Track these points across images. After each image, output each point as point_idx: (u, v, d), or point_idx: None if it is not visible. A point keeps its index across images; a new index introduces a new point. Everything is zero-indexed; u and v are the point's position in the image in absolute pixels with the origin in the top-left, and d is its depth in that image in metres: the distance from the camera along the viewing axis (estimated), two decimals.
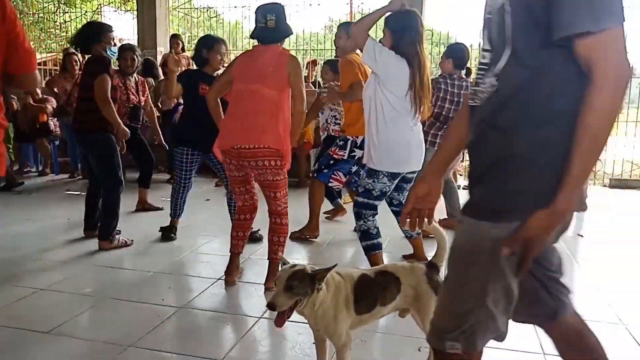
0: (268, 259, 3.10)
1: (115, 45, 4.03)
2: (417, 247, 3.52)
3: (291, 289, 1.71)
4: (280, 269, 1.88)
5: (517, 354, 2.30)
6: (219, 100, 3.21)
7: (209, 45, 3.71)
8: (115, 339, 2.41)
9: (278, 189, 3.00)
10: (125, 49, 4.79)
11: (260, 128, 2.88)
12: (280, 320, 1.76)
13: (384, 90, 2.93)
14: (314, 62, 8.19)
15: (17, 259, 3.60)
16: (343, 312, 1.87)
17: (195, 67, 4.04)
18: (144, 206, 5.13)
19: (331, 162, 3.96)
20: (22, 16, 14.01)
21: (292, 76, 2.91)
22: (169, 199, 4.23)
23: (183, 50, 7.72)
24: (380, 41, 3.02)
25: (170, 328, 2.57)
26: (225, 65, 3.66)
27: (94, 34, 3.83)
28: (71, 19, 12.90)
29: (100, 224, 3.91)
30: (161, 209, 5.04)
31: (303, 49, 10.39)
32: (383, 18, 2.99)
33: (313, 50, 9.71)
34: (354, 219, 3.25)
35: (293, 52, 9.10)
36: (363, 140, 3.51)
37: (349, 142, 3.87)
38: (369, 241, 3.16)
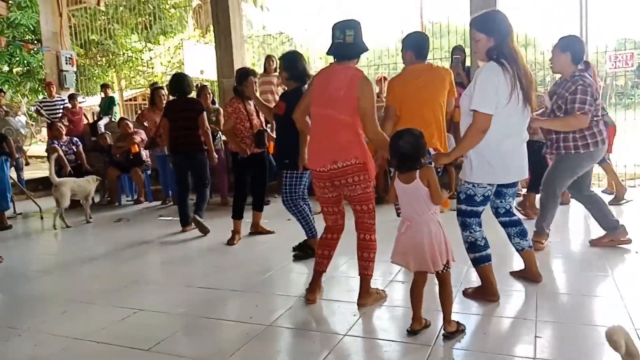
0: (359, 274, 3.08)
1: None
2: (528, 260, 3.29)
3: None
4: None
5: None
6: (307, 119, 3.23)
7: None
8: (208, 356, 2.51)
9: (368, 201, 3.02)
10: (249, 74, 4.89)
11: (340, 147, 2.94)
12: None
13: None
14: (384, 79, 8.16)
15: (118, 281, 3.87)
16: None
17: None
18: (256, 229, 5.11)
19: None
20: (113, 57, 15.23)
21: (361, 99, 2.90)
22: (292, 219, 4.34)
23: (275, 70, 8.05)
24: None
25: (259, 345, 2.63)
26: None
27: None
28: (156, 56, 13.87)
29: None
30: (272, 232, 5.09)
31: (375, 64, 10.39)
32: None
33: (385, 65, 9.68)
34: (460, 230, 3.08)
35: (365, 69, 9.19)
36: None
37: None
38: (478, 253, 3.04)
